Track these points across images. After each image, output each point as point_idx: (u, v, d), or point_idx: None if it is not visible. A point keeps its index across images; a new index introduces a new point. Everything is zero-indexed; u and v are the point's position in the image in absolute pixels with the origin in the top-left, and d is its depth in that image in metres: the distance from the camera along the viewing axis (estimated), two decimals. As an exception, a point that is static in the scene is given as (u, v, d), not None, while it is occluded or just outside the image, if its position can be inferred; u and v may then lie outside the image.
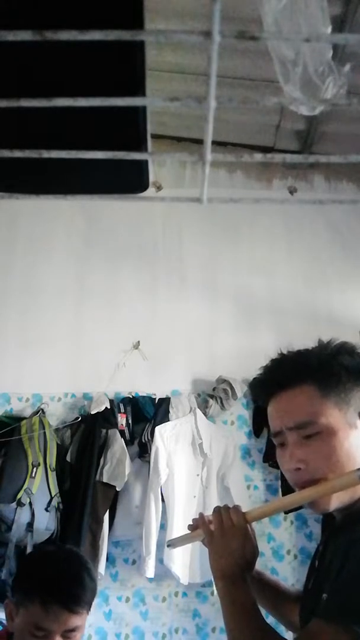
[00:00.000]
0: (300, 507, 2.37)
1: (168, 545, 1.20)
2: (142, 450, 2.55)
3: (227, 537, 0.93)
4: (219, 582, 0.92)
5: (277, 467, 2.58)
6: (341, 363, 0.89)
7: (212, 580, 2.33)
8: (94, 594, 1.16)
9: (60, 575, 1.13)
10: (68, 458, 2.47)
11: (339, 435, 0.84)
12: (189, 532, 1.07)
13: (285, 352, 0.95)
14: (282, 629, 1.01)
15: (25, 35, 0.34)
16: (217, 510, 0.98)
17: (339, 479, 0.81)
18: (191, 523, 1.06)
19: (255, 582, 1.01)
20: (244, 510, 0.98)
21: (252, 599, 0.89)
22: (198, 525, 1.01)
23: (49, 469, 2.31)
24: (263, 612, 0.91)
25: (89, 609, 1.13)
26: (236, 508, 0.97)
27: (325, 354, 0.91)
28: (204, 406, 2.69)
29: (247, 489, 2.61)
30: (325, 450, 0.84)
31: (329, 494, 0.83)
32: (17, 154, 0.43)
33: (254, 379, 0.99)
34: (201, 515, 1.02)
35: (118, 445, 2.48)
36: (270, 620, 0.92)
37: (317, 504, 0.85)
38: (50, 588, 1.08)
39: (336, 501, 0.84)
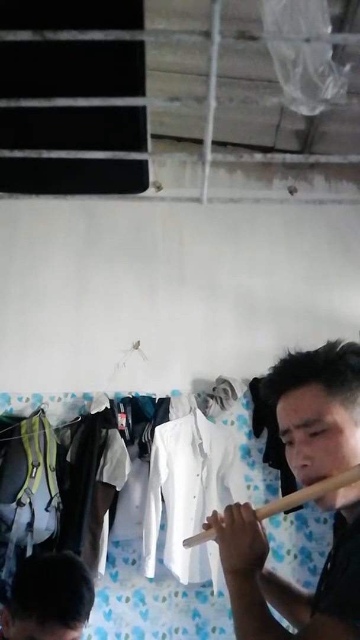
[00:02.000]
0: (300, 507, 2.38)
1: (184, 545, 1.21)
2: (142, 450, 2.54)
3: (237, 533, 0.96)
4: (229, 576, 0.94)
5: (277, 467, 2.59)
6: (347, 363, 0.91)
7: (212, 580, 2.34)
8: (92, 603, 1.14)
9: (58, 590, 1.10)
10: (68, 458, 2.47)
11: (345, 433, 0.86)
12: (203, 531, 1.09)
13: (293, 352, 0.97)
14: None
15: (25, 35, 0.34)
16: (229, 507, 1.01)
17: (344, 474, 0.83)
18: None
19: (266, 582, 1.03)
20: (254, 508, 1.00)
21: (260, 594, 0.91)
22: (211, 523, 1.04)
23: (49, 469, 2.31)
24: (274, 612, 0.92)
25: (87, 619, 1.12)
26: (247, 505, 1.00)
27: (332, 354, 0.93)
28: (204, 406, 2.69)
29: (247, 489, 2.61)
30: (331, 447, 0.86)
31: (334, 489, 0.84)
32: (17, 154, 0.43)
33: (264, 378, 1.01)
34: (214, 512, 1.05)
35: (118, 445, 2.48)
36: (280, 620, 0.93)
37: (324, 500, 0.86)
38: (47, 604, 1.07)
39: (342, 498, 0.85)
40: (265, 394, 1.00)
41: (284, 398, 0.94)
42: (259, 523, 0.98)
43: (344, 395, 0.89)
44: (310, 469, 0.87)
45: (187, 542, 1.20)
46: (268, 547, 0.98)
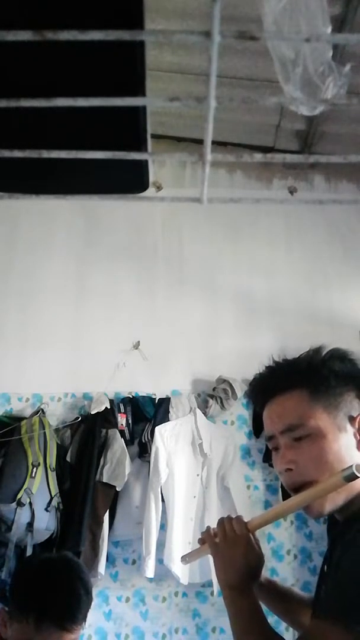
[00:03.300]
0: (300, 507, 2.38)
1: (182, 562, 1.21)
2: (142, 450, 2.54)
3: (230, 547, 0.96)
4: (225, 591, 0.94)
5: (277, 467, 2.59)
6: (331, 368, 0.91)
7: (212, 580, 2.34)
8: (89, 606, 1.14)
9: (55, 593, 1.09)
10: (68, 458, 2.47)
11: (328, 438, 0.86)
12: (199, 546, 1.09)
13: (277, 358, 0.98)
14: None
15: (25, 35, 0.34)
16: (221, 521, 1.00)
17: (328, 481, 0.82)
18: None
19: (265, 590, 1.03)
20: (246, 519, 0.99)
21: (258, 607, 0.91)
22: (205, 539, 1.04)
23: (49, 469, 2.31)
24: (274, 621, 0.92)
25: (84, 622, 1.12)
26: (238, 518, 1.00)
27: (316, 360, 0.93)
28: (204, 406, 2.69)
29: (247, 489, 2.61)
30: (314, 452, 0.86)
31: (320, 497, 0.84)
32: (17, 154, 0.43)
33: (249, 385, 1.01)
34: (208, 528, 1.05)
35: (118, 445, 2.48)
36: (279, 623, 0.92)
37: (311, 508, 0.86)
38: (44, 607, 1.06)
39: (330, 504, 0.85)
40: (252, 400, 1.01)
41: (269, 405, 0.95)
42: (251, 535, 0.97)
43: (327, 401, 0.89)
44: (294, 473, 0.87)
45: (185, 559, 1.20)
46: (263, 559, 0.98)
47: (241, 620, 0.89)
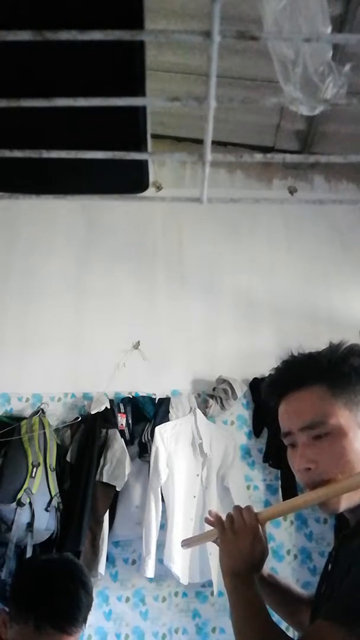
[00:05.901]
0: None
1: (182, 546, 1.20)
2: (142, 450, 2.54)
3: (238, 536, 0.95)
4: (228, 579, 0.94)
5: (277, 467, 2.59)
6: (351, 365, 0.89)
7: (212, 580, 2.34)
8: (90, 608, 1.13)
9: (55, 595, 1.09)
10: (68, 458, 2.47)
11: (349, 436, 0.85)
12: (201, 532, 1.08)
13: (295, 353, 0.96)
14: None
15: (25, 35, 0.34)
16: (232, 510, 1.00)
17: (349, 480, 0.82)
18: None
19: (266, 584, 1.02)
20: (256, 510, 0.99)
21: (259, 597, 0.90)
22: (213, 522, 1.03)
23: (49, 469, 2.31)
24: (273, 614, 0.92)
25: (85, 624, 1.11)
26: (249, 508, 0.99)
27: (335, 356, 0.91)
28: (204, 406, 2.69)
29: (247, 489, 2.61)
30: (335, 450, 0.85)
31: (339, 495, 0.83)
32: (17, 154, 0.43)
33: (266, 379, 0.99)
34: (216, 514, 1.04)
35: (118, 445, 2.48)
36: (280, 622, 0.92)
37: (327, 504, 0.86)
38: (44, 609, 1.06)
39: (346, 502, 0.84)
40: (266, 395, 0.98)
41: (286, 400, 0.93)
42: (260, 526, 0.97)
43: (347, 398, 0.87)
44: (314, 473, 0.86)
45: (186, 543, 1.19)
46: (267, 551, 0.97)
47: (242, 608, 0.89)
